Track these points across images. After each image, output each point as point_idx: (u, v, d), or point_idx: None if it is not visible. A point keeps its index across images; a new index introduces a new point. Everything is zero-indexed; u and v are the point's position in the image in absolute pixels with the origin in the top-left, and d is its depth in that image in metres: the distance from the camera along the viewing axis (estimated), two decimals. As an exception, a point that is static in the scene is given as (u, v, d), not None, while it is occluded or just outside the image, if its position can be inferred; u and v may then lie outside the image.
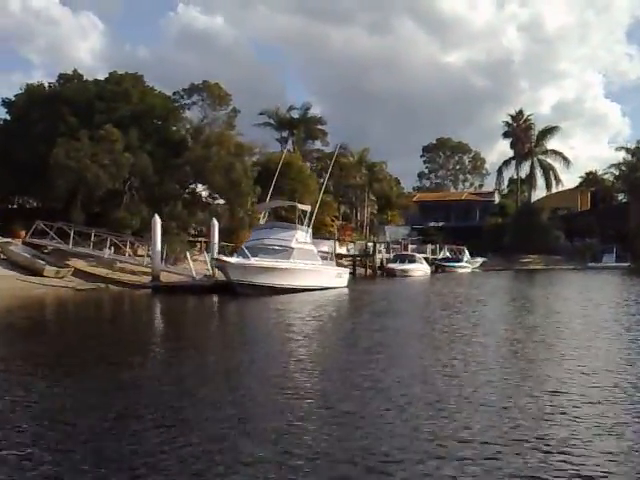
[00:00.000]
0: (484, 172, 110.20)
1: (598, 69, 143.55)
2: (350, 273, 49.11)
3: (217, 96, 36.10)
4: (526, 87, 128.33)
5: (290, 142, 60.16)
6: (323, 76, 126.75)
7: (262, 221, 29.60)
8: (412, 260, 47.39)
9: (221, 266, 24.63)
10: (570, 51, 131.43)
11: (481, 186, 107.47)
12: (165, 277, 29.71)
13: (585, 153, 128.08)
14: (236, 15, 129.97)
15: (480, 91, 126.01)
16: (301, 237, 26.81)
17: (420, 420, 6.65)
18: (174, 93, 36.56)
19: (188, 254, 28.22)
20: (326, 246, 29.70)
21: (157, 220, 27.72)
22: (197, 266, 30.04)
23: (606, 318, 16.48)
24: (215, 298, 23.94)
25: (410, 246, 62.59)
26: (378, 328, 15.06)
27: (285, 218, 49.97)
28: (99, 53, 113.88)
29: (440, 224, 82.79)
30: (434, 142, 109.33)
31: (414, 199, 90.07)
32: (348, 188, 67.87)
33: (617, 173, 78.21)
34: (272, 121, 59.16)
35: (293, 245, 25.94)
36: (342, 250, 53.36)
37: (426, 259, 57.03)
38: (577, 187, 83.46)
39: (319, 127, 60.81)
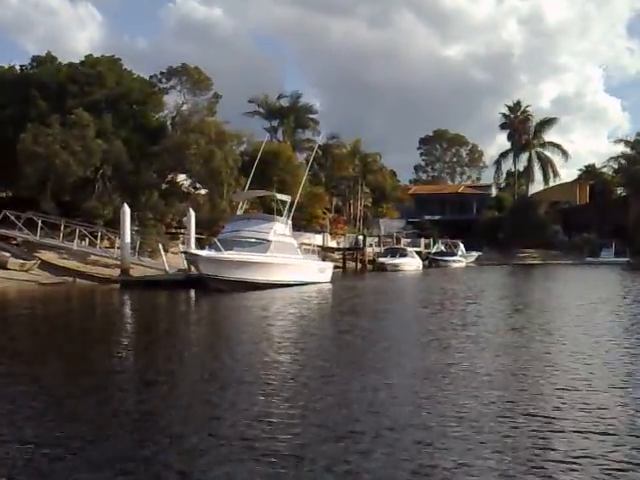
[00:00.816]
0: (482, 165, 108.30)
1: (598, 63, 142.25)
2: (340, 267, 47.89)
3: (197, 80, 34.31)
4: (526, 81, 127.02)
5: (281, 132, 58.38)
6: (322, 68, 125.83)
7: (240, 212, 27.87)
8: (403, 254, 45.78)
9: (192, 260, 23.04)
10: (570, 45, 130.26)
11: (479, 179, 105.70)
12: (141, 271, 28.16)
13: (585, 148, 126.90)
14: (235, 6, 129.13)
15: (480, 84, 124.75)
16: (280, 229, 25.13)
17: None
18: (151, 77, 34.83)
19: (161, 246, 26.60)
20: (308, 238, 27.91)
21: (126, 210, 26.12)
22: (176, 260, 28.48)
23: (601, 320, 14.90)
24: (185, 294, 22.37)
25: (404, 240, 61.12)
26: (347, 329, 13.49)
27: (273, 209, 48.59)
28: (97, 44, 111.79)
29: (436, 217, 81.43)
30: (431, 134, 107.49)
31: (410, 192, 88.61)
32: (341, 180, 66.24)
33: (616, 167, 76.76)
34: (261, 109, 57.34)
35: (271, 238, 24.29)
36: (332, 243, 51.80)
37: (419, 253, 55.51)
38: (575, 180, 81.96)
39: (310, 116, 58.92)
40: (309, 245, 27.89)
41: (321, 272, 27.59)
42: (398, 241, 56.17)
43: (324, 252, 47.26)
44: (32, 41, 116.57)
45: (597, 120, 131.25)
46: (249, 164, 50.68)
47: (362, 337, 12.31)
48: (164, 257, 26.23)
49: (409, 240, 61.58)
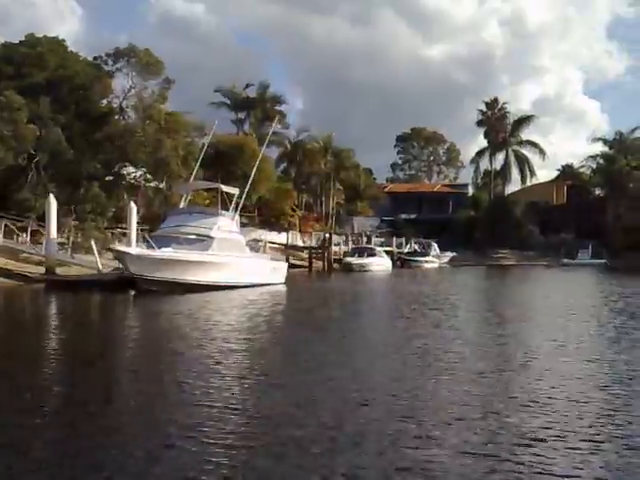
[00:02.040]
0: (459, 164, 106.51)
1: (578, 66, 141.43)
2: (306, 267, 45.44)
3: (146, 63, 31.48)
4: (507, 82, 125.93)
5: (248, 124, 55.72)
6: (305, 66, 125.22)
7: (184, 204, 25.14)
8: (371, 254, 43.35)
9: (120, 258, 20.46)
10: (551, 47, 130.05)
11: (456, 179, 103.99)
12: (75, 270, 25.46)
13: (564, 149, 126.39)
14: (217, 2, 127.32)
15: (461, 85, 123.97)
16: (225, 225, 22.52)
17: None
18: (95, 58, 31.88)
19: (93, 243, 23.90)
20: (259, 235, 25.15)
21: (52, 201, 23.41)
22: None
23: (576, 336, 12.65)
24: (112, 296, 19.79)
25: (377, 239, 59.01)
26: (271, 346, 11.11)
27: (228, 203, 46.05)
28: (77, 38, 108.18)
29: (412, 216, 79.55)
30: (408, 131, 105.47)
31: (386, 190, 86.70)
32: (311, 175, 63.78)
33: (594, 166, 75.32)
34: (227, 100, 54.53)
35: (213, 234, 21.72)
36: (299, 242, 49.39)
37: (390, 253, 53.31)
38: (553, 180, 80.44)
39: (279, 108, 56.25)
40: (259, 241, 25.14)
41: (273, 272, 25.05)
42: (369, 240, 53.87)
43: (287, 251, 44.97)
44: (10, 34, 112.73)
45: (576, 122, 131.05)
46: (212, 157, 48.36)
47: (284, 360, 9.92)
48: (97, 255, 23.55)
49: (382, 239, 59.42)
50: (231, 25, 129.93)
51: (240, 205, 24.01)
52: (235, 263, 22.38)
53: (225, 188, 24.32)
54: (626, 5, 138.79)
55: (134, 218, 25.93)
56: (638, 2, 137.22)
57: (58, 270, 24.51)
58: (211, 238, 21.60)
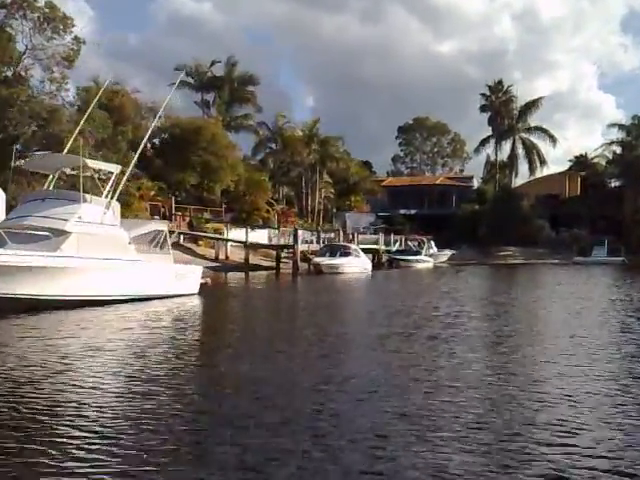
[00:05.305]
0: (465, 156, 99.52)
1: (592, 60, 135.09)
2: (273, 269, 38.88)
3: (48, 18, 24.97)
4: (520, 78, 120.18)
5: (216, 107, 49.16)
6: (315, 63, 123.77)
7: (50, 188, 18.39)
8: (346, 253, 36.54)
9: None
10: (564, 41, 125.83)
11: (462, 171, 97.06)
12: None
13: (579, 144, 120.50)
14: (225, 1, 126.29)
15: (473, 81, 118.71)
16: (90, 215, 15.86)
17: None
18: (-23, 10, 25.44)
19: None
20: (161, 227, 18.29)
21: None
22: None
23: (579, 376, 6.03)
24: None
25: (371, 236, 52.75)
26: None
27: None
28: (88, 39, 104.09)
29: (412, 212, 73.18)
30: (410, 122, 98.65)
31: (384, 184, 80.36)
32: (291, 165, 57.22)
33: (610, 156, 68.39)
34: (191, 80, 47.99)
35: (69, 228, 15.14)
36: (281, 240, 42.63)
37: (376, 251, 46.84)
38: (565, 171, 73.48)
39: (250, 88, 49.55)
40: (158, 236, 18.19)
41: (178, 280, 18.43)
42: (353, 237, 47.35)
43: (247, 250, 38.56)
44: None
45: (591, 117, 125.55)
46: (165, 142, 41.93)
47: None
48: None
49: (377, 236, 52.97)
50: (240, 23, 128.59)
51: (119, 188, 17.29)
52: (107, 268, 15.79)
53: (92, 163, 17.53)
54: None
55: (2, 207, 19.63)
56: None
57: None
58: (65, 233, 15.02)
